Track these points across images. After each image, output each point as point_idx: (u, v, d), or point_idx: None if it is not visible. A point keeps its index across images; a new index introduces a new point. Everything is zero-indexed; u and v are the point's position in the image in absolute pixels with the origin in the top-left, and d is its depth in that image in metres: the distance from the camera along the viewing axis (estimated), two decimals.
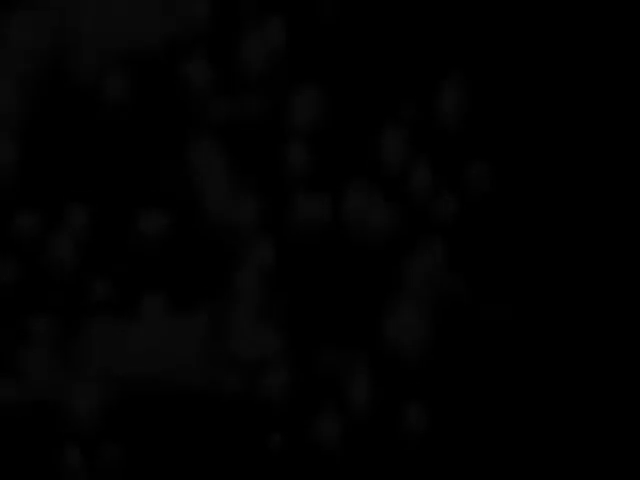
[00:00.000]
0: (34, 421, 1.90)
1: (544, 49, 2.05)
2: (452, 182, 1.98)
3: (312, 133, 1.99)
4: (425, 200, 1.98)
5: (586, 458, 1.97)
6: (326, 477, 1.92)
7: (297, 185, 1.98)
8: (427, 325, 1.96)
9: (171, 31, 1.98)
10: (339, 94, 2.02)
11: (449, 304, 1.97)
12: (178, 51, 1.98)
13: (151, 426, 1.91)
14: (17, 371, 1.89)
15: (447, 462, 1.95)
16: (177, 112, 1.98)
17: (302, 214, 1.98)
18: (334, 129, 2.01)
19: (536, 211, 1.99)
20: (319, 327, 1.96)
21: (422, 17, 2.01)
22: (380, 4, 2.01)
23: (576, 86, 2.05)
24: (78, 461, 1.89)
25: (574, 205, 2.01)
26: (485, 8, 2.02)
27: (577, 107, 2.05)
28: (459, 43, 2.02)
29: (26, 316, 1.91)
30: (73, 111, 1.96)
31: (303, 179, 1.98)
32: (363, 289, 1.98)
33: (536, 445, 1.97)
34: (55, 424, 1.90)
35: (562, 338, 1.99)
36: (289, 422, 1.92)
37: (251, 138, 2.00)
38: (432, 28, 2.02)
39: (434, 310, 1.97)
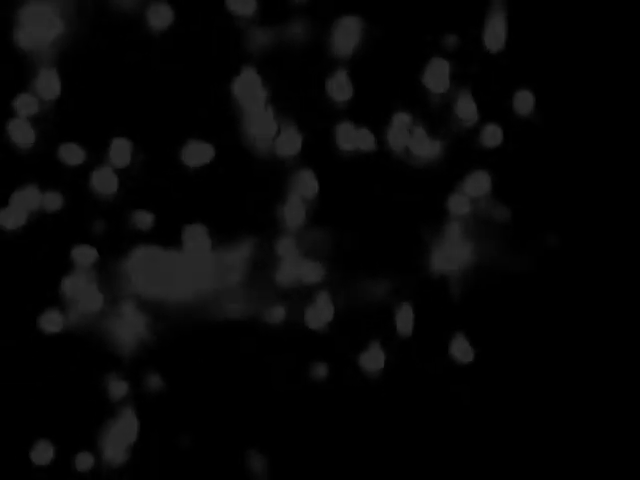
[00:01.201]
0: (78, 351, 1.92)
1: None
2: (496, 112, 1.97)
3: (355, 64, 1.98)
4: (469, 130, 1.97)
5: None
6: (370, 408, 1.92)
7: (340, 117, 1.97)
8: (472, 255, 1.95)
9: None
10: (382, 24, 2.00)
11: (495, 234, 1.96)
12: None
13: (193, 357, 1.92)
14: (62, 301, 1.91)
15: (490, 394, 1.95)
16: (221, 43, 1.98)
17: (345, 146, 1.97)
18: (378, 60, 2.00)
19: (582, 139, 1.98)
20: (364, 258, 1.96)
21: None
22: None
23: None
24: (122, 391, 1.91)
25: (620, 138, 2.00)
26: None
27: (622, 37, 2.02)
28: None
29: (70, 246, 1.93)
30: (117, 43, 1.95)
31: (346, 111, 1.97)
32: (408, 220, 1.97)
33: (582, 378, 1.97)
34: (99, 354, 1.92)
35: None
36: (334, 353, 1.93)
37: (294, 69, 1.99)
38: None
39: (480, 240, 1.96)
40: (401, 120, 1.97)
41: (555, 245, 1.95)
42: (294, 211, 1.94)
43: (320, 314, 1.92)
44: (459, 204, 1.96)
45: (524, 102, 1.97)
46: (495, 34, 1.97)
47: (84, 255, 1.92)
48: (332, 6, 1.98)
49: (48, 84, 1.92)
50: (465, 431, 1.94)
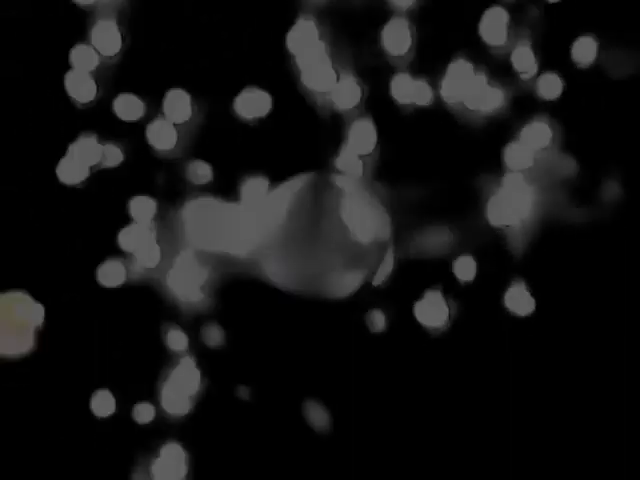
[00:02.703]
0: (139, 302, 1.92)
1: None
2: (557, 61, 1.93)
3: (412, 16, 1.95)
4: (530, 81, 1.93)
5: None
6: (431, 359, 1.91)
7: (397, 66, 1.95)
8: (533, 209, 1.92)
9: None
10: None
11: (558, 187, 1.93)
12: None
13: (248, 309, 1.92)
14: (121, 254, 1.91)
15: (549, 344, 1.93)
16: None
17: (402, 96, 1.94)
18: (434, 12, 1.96)
19: None
20: (423, 210, 1.94)
21: None
22: None
23: None
24: (182, 343, 1.91)
25: None
26: None
27: None
28: None
29: (130, 198, 1.93)
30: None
31: (403, 60, 1.94)
32: (466, 172, 1.95)
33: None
34: (158, 305, 1.92)
35: None
36: (394, 304, 1.91)
37: (352, 21, 1.96)
38: None
39: (542, 193, 1.93)
40: (460, 71, 1.94)
41: (617, 196, 1.92)
42: (351, 161, 1.92)
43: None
44: (521, 155, 1.93)
45: (585, 51, 1.93)
46: None
47: (142, 208, 1.92)
48: None
49: (107, 38, 1.92)
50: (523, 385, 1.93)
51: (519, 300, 1.91)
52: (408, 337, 1.91)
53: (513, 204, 1.91)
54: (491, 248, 1.93)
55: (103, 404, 1.90)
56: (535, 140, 1.91)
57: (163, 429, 1.89)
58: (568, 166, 1.91)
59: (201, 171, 1.92)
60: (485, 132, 1.93)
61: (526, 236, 1.91)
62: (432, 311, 1.90)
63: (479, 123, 1.93)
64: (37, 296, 1.89)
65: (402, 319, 1.91)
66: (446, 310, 1.90)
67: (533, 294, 1.91)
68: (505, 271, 1.92)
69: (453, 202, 1.94)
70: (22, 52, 1.94)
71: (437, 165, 1.94)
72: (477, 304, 1.91)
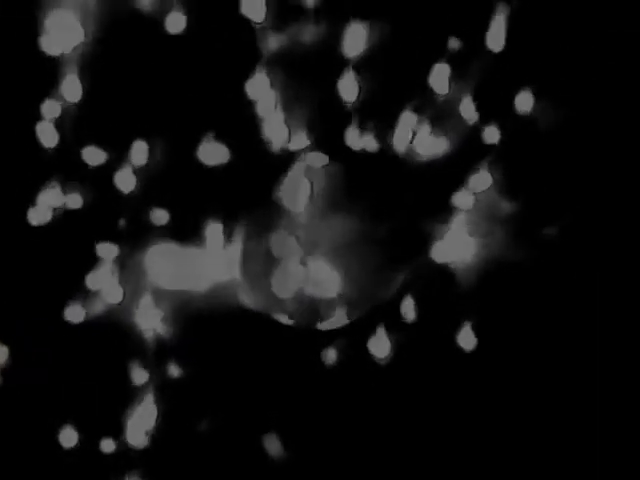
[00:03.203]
0: (103, 340, 2.03)
1: None
2: (498, 111, 2.06)
3: (362, 67, 2.08)
4: (472, 129, 2.06)
5: None
6: (379, 389, 2.03)
7: (348, 116, 2.07)
8: (476, 247, 2.05)
9: None
10: (389, 30, 2.10)
11: (498, 226, 2.06)
12: None
13: (208, 345, 2.03)
14: (87, 292, 2.02)
15: (493, 380, 2.05)
16: (235, 46, 2.08)
17: (352, 144, 2.07)
18: (383, 64, 2.09)
19: (580, 136, 2.07)
20: (372, 252, 2.06)
21: None
22: None
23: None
24: (143, 379, 2.02)
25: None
26: None
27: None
28: None
29: (94, 242, 2.03)
30: (137, 47, 2.06)
31: (354, 110, 2.07)
32: (413, 214, 2.07)
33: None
34: (122, 343, 2.03)
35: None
36: (344, 339, 2.03)
37: (304, 72, 2.08)
38: None
39: (483, 232, 2.06)
40: (407, 120, 2.07)
41: (554, 237, 2.05)
42: (303, 201, 2.04)
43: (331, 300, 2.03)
44: (464, 199, 2.05)
45: (525, 101, 2.07)
46: (496, 37, 2.06)
47: (107, 250, 2.03)
48: (341, 11, 2.08)
49: (71, 88, 2.03)
50: (466, 418, 2.04)
51: (465, 335, 2.03)
52: (360, 369, 2.03)
53: (458, 244, 2.04)
54: (437, 286, 2.05)
55: (69, 436, 1.99)
56: (478, 184, 2.05)
57: (126, 460, 2.00)
58: (507, 207, 2.04)
59: (160, 215, 2.04)
60: (431, 176, 2.06)
61: (470, 274, 2.04)
62: (381, 345, 2.02)
63: (425, 168, 2.06)
64: (4, 336, 2.00)
65: (354, 353, 2.03)
66: (391, 344, 2.02)
67: (477, 330, 2.04)
68: (451, 308, 2.04)
69: (402, 243, 2.06)
70: None
71: (387, 208, 2.06)
72: (424, 339, 2.03)
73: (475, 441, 2.06)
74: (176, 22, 2.05)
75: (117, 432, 2.00)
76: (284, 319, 2.04)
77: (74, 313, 2.01)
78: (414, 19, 2.09)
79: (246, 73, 2.05)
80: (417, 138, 2.06)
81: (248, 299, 2.03)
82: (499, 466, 2.06)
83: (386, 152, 2.07)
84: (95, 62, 2.04)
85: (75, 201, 2.02)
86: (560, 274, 2.05)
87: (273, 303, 2.04)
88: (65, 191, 2.02)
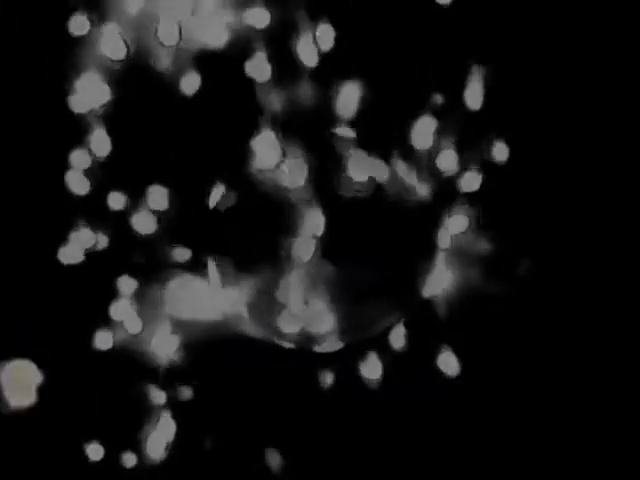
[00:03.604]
0: (124, 365, 2.22)
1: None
2: (476, 160, 2.28)
3: (355, 122, 2.27)
4: (453, 175, 2.28)
5: None
6: (370, 410, 2.23)
7: (342, 165, 2.27)
8: (456, 281, 2.26)
9: (236, 35, 2.30)
10: (377, 89, 2.31)
11: (476, 263, 2.27)
12: (242, 52, 2.28)
13: (216, 369, 2.24)
14: (110, 323, 2.23)
15: (475, 401, 2.25)
16: (242, 104, 2.26)
17: (347, 190, 2.29)
18: (374, 119, 2.29)
19: (549, 181, 2.27)
20: (364, 285, 2.27)
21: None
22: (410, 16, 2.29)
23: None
24: (160, 399, 2.22)
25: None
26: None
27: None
28: (483, 42, 2.30)
29: (116, 277, 2.24)
30: (154, 105, 2.28)
31: (347, 160, 2.27)
32: (401, 253, 2.27)
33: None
34: (140, 368, 2.21)
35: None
36: (339, 364, 2.24)
37: (303, 126, 2.30)
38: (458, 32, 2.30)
39: (463, 268, 2.27)
40: (396, 168, 2.28)
41: (527, 271, 2.26)
42: (304, 245, 2.26)
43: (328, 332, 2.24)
44: (444, 238, 2.27)
45: (499, 152, 2.27)
46: (474, 95, 2.28)
47: (127, 284, 2.23)
48: (334, 72, 2.29)
49: (97, 141, 2.23)
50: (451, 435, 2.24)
51: (447, 362, 2.25)
52: (351, 391, 2.23)
53: (440, 280, 2.25)
54: (422, 317, 2.27)
55: (95, 450, 2.18)
56: (456, 225, 2.26)
57: (145, 472, 2.20)
58: (483, 247, 2.25)
59: (175, 253, 2.24)
60: (416, 218, 2.27)
61: (451, 306, 2.25)
62: (371, 369, 2.24)
63: (411, 212, 2.26)
64: (38, 361, 2.21)
65: (346, 376, 2.24)
66: (381, 370, 2.23)
67: (459, 356, 2.25)
68: (434, 337, 2.25)
69: (390, 280, 2.26)
70: (24, 154, 2.26)
71: (374, 247, 2.27)
72: (411, 365, 2.24)
73: (463, 459, 2.24)
74: (190, 82, 2.27)
75: (137, 447, 2.19)
76: (285, 344, 2.24)
77: (100, 341, 2.22)
78: (402, 78, 2.30)
79: (251, 128, 2.27)
80: (404, 184, 2.27)
81: (252, 330, 2.23)
82: None
83: (377, 197, 2.27)
84: (118, 117, 2.25)
85: (101, 241, 2.24)
86: (530, 304, 2.25)
87: (276, 334, 2.24)
88: (92, 232, 2.23)
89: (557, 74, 2.28)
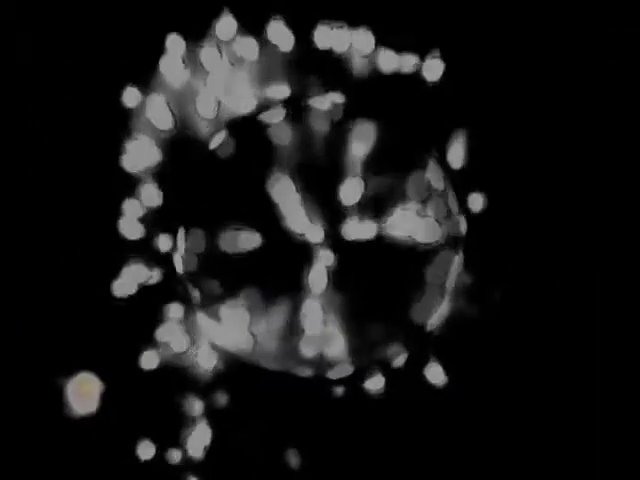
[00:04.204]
0: (169, 381, 2.50)
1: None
2: (461, 208, 2.61)
3: (360, 176, 2.58)
4: (441, 221, 2.62)
5: None
6: (375, 417, 2.51)
7: (349, 211, 2.59)
8: (445, 307, 2.57)
9: (260, 104, 2.62)
10: (376, 150, 2.61)
11: (463, 293, 2.58)
12: (266, 117, 2.62)
13: (248, 382, 2.53)
14: (157, 344, 2.51)
15: (462, 411, 2.53)
16: (265, 160, 2.57)
17: (353, 233, 2.62)
18: (375, 174, 2.60)
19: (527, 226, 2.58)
20: (369, 312, 2.58)
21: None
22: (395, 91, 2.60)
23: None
24: (199, 408, 2.50)
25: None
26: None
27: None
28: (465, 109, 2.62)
29: (163, 305, 2.53)
30: (194, 161, 2.57)
31: (354, 207, 2.59)
32: (399, 285, 2.57)
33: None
34: (182, 381, 2.49)
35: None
36: (349, 379, 2.56)
37: (316, 179, 2.58)
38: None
39: (451, 297, 2.60)
40: (394, 214, 2.63)
41: (499, 299, 2.56)
42: (318, 279, 2.60)
43: (337, 350, 2.58)
44: (435, 273, 2.62)
45: (476, 202, 2.62)
46: (457, 154, 2.64)
47: (173, 311, 2.52)
48: (343, 135, 2.64)
49: (148, 194, 2.56)
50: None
51: (435, 372, 2.52)
52: (359, 401, 2.51)
53: (430, 305, 2.61)
54: (416, 337, 2.56)
55: (146, 449, 2.43)
56: (446, 262, 2.59)
57: (187, 467, 2.45)
58: (469, 280, 2.61)
59: (210, 285, 2.54)
60: (411, 257, 2.60)
61: (440, 327, 2.57)
62: (375, 382, 2.54)
63: (407, 251, 2.61)
64: (100, 374, 2.50)
65: (355, 389, 2.53)
66: (384, 382, 2.52)
67: (446, 369, 2.53)
68: (426, 352, 2.55)
69: (390, 306, 2.58)
70: (79, 205, 2.54)
71: (377, 279, 2.59)
72: (405, 377, 2.52)
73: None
74: (223, 146, 2.61)
75: (181, 446, 2.44)
76: (302, 373, 2.54)
77: (148, 359, 2.50)
78: (399, 141, 2.64)
79: (274, 180, 2.60)
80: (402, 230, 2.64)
81: (271, 363, 2.53)
82: None
83: (380, 240, 2.59)
84: (164, 174, 2.59)
85: (151, 276, 2.56)
86: (506, 324, 2.51)
87: (296, 359, 2.57)
88: (144, 268, 2.54)
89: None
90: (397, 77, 2.62)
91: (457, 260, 2.57)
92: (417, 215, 2.57)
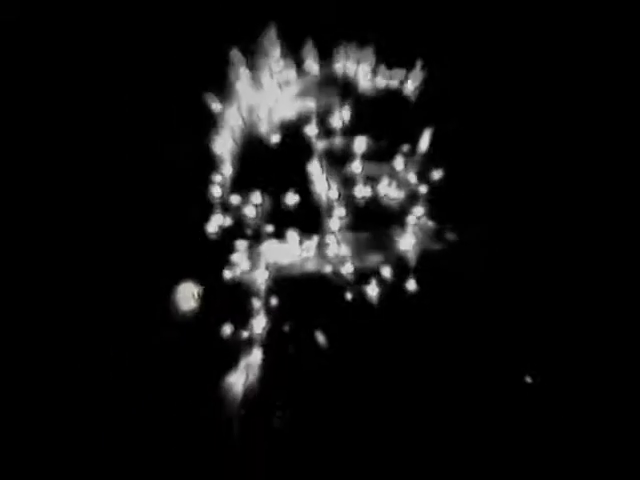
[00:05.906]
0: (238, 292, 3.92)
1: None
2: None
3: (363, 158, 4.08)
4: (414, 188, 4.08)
5: None
6: (372, 321, 3.81)
7: (356, 181, 4.05)
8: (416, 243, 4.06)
9: (300, 112, 4.08)
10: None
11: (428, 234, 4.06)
12: (304, 122, 4.06)
13: (293, 290, 3.94)
14: (232, 265, 3.97)
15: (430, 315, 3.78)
16: (303, 150, 3.97)
17: (358, 194, 4.08)
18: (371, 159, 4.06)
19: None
20: (368, 244, 4.00)
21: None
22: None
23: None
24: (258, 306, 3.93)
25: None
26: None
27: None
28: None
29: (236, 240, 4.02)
30: (257, 155, 3.99)
31: (359, 178, 4.08)
32: (386, 228, 4.08)
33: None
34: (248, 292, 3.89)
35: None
36: (354, 286, 3.92)
37: (334, 161, 4.10)
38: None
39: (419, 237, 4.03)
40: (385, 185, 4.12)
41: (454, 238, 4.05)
42: (335, 223, 3.99)
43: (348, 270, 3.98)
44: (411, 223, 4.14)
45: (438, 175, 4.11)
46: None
47: (242, 246, 3.90)
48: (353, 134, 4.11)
49: (228, 170, 4.00)
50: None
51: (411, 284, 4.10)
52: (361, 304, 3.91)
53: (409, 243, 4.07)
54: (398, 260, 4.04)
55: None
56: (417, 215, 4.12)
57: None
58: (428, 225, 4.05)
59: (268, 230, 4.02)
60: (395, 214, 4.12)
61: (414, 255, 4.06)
62: (372, 291, 4.02)
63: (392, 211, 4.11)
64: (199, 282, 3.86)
65: (359, 294, 3.94)
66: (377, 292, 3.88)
67: (418, 282, 4.01)
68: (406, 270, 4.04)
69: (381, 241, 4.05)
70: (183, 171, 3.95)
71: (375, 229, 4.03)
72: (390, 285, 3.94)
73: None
74: (276, 140, 4.08)
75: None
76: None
77: (228, 274, 4.02)
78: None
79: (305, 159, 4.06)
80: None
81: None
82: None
83: (375, 200, 4.09)
84: (238, 158, 4.02)
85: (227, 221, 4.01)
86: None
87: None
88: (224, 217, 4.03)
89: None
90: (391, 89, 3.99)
91: (421, 212, 3.97)
92: (401, 185, 3.97)
